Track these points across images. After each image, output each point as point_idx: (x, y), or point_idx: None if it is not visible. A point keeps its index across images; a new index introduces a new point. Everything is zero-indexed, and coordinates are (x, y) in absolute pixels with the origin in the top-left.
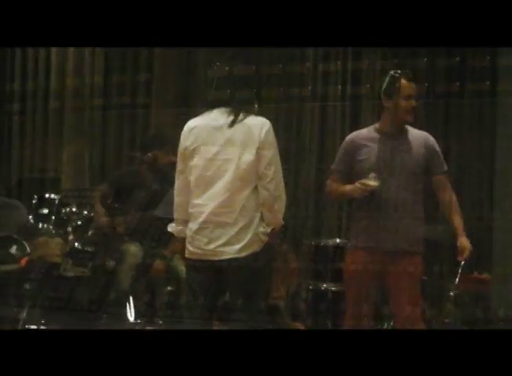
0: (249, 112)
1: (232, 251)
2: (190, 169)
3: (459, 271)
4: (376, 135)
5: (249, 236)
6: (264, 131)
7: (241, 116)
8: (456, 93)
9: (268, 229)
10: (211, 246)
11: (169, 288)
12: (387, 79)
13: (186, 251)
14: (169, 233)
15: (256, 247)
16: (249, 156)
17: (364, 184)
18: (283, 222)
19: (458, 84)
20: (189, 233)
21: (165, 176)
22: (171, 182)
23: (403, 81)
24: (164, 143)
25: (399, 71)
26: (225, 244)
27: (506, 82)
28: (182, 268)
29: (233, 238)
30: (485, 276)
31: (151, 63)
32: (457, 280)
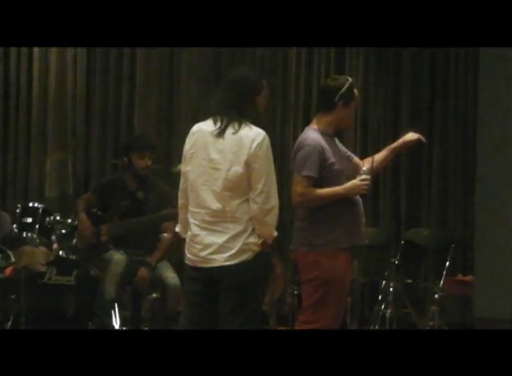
0: (249, 121)
1: (221, 259)
2: (187, 174)
3: (444, 273)
4: (325, 137)
5: (238, 245)
6: (255, 143)
7: (236, 126)
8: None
9: (260, 241)
10: (204, 253)
11: (154, 295)
12: (347, 85)
13: (185, 258)
14: (153, 240)
15: (246, 257)
16: (238, 167)
17: (366, 179)
18: (275, 234)
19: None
20: (187, 239)
21: (146, 182)
22: (152, 189)
23: (356, 91)
24: (140, 147)
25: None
26: (215, 252)
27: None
28: (167, 275)
29: (222, 246)
30: (470, 278)
31: (134, 68)
32: (442, 282)
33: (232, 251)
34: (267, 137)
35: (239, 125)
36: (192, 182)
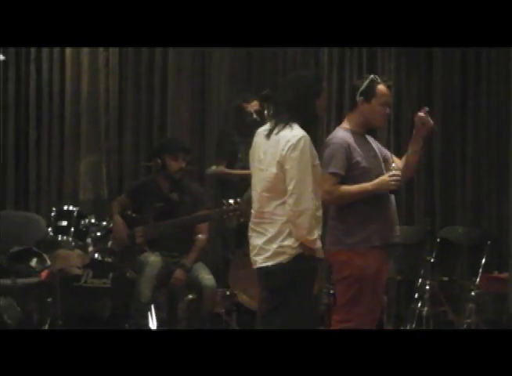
0: (302, 124)
1: (259, 260)
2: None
3: (480, 271)
4: (355, 136)
5: (273, 247)
6: (288, 145)
7: (281, 127)
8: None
9: (296, 244)
10: (251, 254)
11: (190, 297)
12: (366, 82)
13: None
14: (188, 242)
15: (281, 259)
16: (272, 168)
17: (395, 175)
18: (312, 238)
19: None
20: None
21: (180, 184)
22: (186, 191)
23: (383, 88)
24: (174, 148)
25: (380, 77)
26: (257, 254)
27: None
28: (202, 276)
29: (261, 248)
30: (506, 275)
31: (166, 69)
32: (478, 279)
33: (268, 253)
34: (304, 139)
35: (284, 127)
36: (251, 183)
